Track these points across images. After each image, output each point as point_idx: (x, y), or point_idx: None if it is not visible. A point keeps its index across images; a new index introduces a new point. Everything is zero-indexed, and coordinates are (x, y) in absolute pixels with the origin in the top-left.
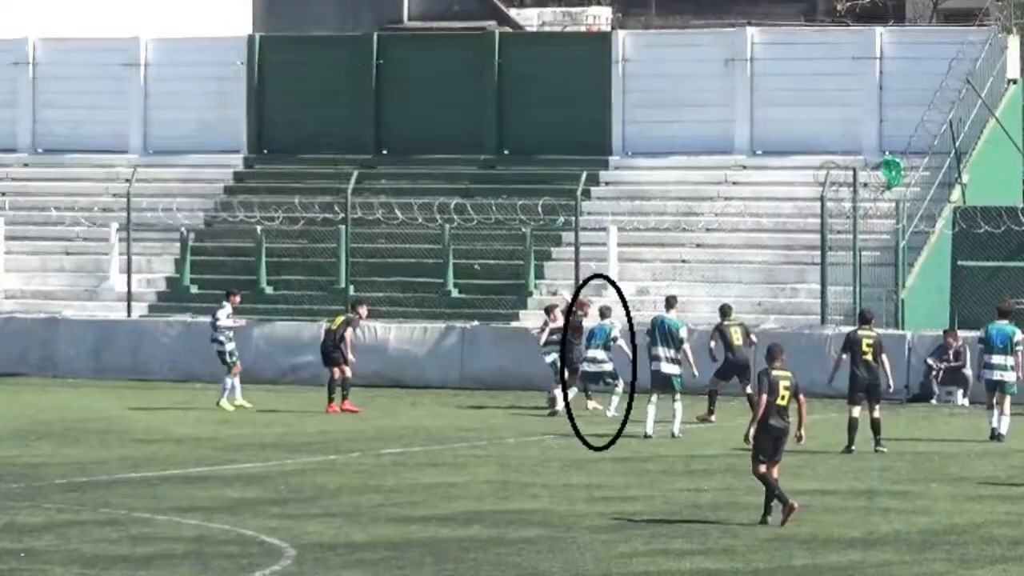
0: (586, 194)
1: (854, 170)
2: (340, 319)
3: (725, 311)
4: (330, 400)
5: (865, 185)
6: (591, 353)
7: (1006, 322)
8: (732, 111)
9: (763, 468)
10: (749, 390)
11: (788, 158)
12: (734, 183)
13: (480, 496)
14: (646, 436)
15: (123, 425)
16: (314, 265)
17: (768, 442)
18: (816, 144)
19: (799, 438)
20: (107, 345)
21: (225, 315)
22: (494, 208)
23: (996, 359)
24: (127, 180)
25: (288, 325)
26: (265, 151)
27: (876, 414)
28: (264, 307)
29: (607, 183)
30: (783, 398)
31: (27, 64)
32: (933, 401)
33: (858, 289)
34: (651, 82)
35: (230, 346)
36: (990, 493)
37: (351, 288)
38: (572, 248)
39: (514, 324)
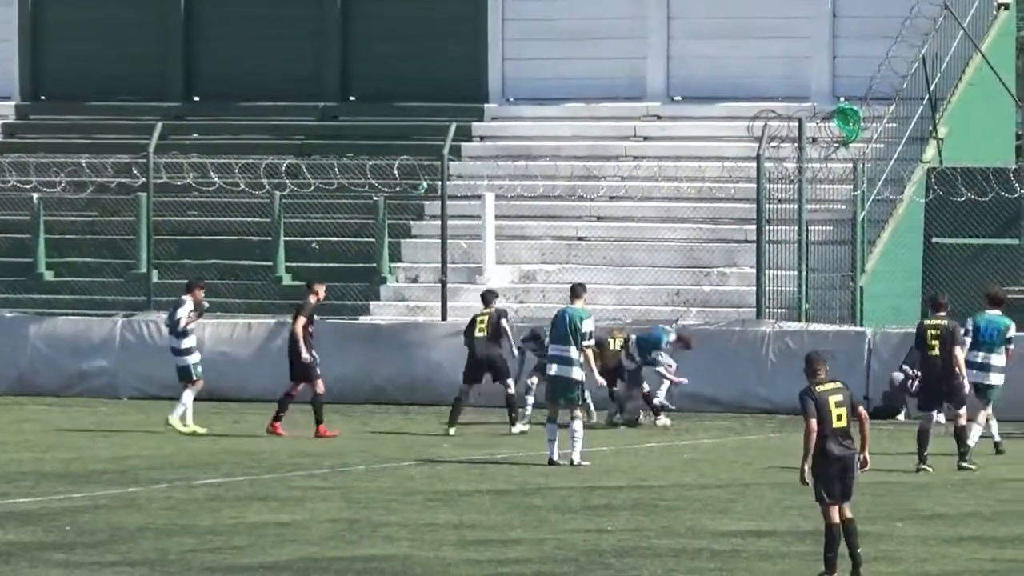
0: (455, 152)
1: (799, 121)
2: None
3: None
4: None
5: (814, 141)
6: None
7: (998, 312)
8: (644, 46)
9: (836, 515)
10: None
11: (714, 106)
12: (645, 138)
13: (321, 539)
14: (551, 462)
15: None
16: (107, 244)
17: (834, 477)
18: (751, 88)
19: (863, 463)
20: None
21: (187, 313)
22: (337, 170)
23: (981, 357)
24: None
25: (74, 321)
26: (43, 97)
27: (962, 422)
28: (43, 297)
29: (482, 138)
30: (840, 418)
31: None
32: (900, 417)
33: (804, 274)
34: (540, 7)
35: (196, 356)
36: (971, 534)
37: (154, 274)
38: (438, 222)
39: (364, 319)
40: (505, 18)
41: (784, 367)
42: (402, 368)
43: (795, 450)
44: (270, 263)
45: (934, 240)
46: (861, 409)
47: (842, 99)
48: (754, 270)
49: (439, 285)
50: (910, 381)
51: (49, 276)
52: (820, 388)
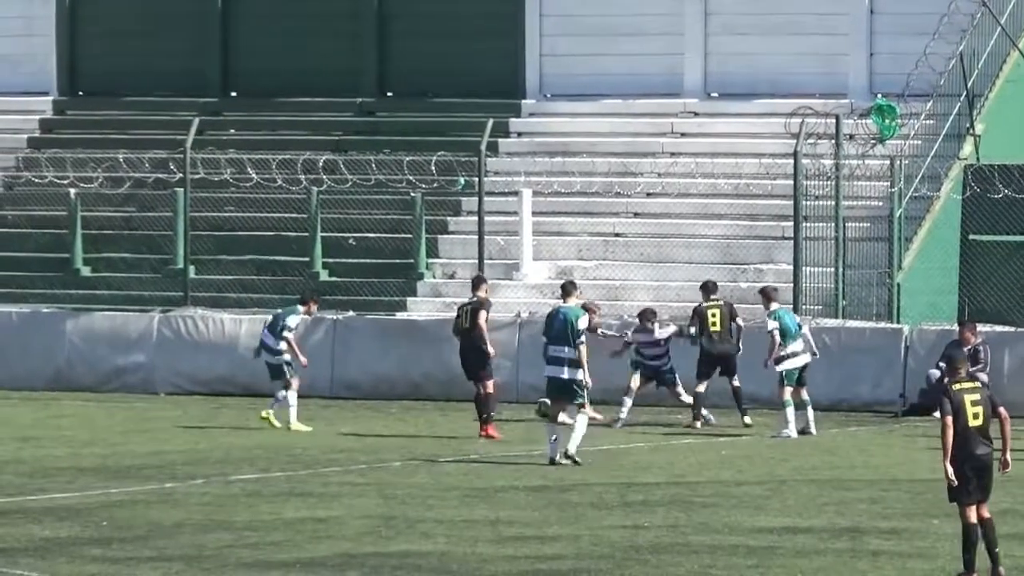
0: (492, 148)
1: (837, 117)
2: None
3: (709, 288)
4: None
5: (851, 137)
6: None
7: None
8: (681, 42)
9: (973, 515)
10: (736, 383)
11: (751, 102)
12: (683, 135)
13: (357, 535)
14: (552, 462)
15: None
16: (144, 239)
17: (971, 476)
18: (788, 85)
19: (1004, 465)
20: None
21: (295, 323)
22: (374, 166)
23: None
24: None
25: (111, 316)
26: (81, 93)
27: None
28: (80, 293)
29: (519, 134)
30: (976, 416)
31: None
32: (936, 415)
33: (841, 271)
34: (577, 4)
35: (288, 356)
36: (1007, 531)
37: (191, 269)
38: (475, 218)
39: (400, 315)
40: (543, 14)
41: (821, 364)
42: (439, 364)
43: (831, 445)
44: (307, 259)
45: (971, 237)
46: (1002, 410)
47: (879, 96)
48: (791, 267)
49: None
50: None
51: (86, 272)
52: (957, 387)
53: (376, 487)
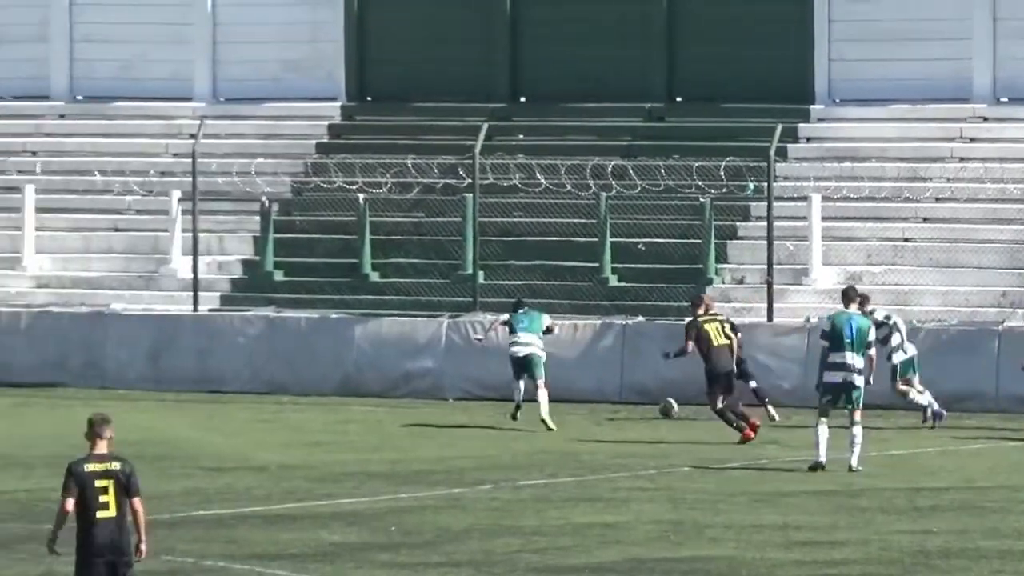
0: (781, 153)
1: None
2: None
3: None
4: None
5: None
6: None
7: None
8: (969, 47)
9: None
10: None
11: None
12: (972, 139)
13: (646, 540)
14: (817, 466)
15: (189, 449)
16: (432, 244)
17: None
18: None
19: None
20: (168, 347)
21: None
22: (663, 171)
23: None
24: (191, 136)
25: (400, 322)
26: (369, 98)
27: None
28: (369, 298)
29: (808, 139)
30: None
31: None
32: None
33: None
34: (865, 9)
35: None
36: None
37: (480, 275)
38: (764, 223)
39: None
40: (831, 19)
41: None
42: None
43: None
44: (596, 264)
45: None
46: None
47: None
48: None
49: (765, 286)
50: None
51: (375, 277)
52: None
53: (665, 492)
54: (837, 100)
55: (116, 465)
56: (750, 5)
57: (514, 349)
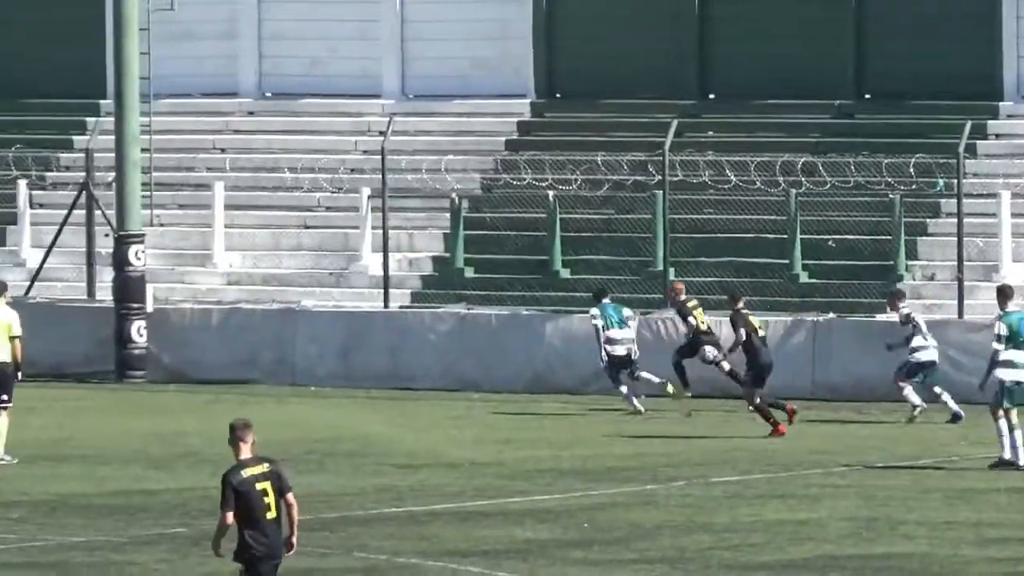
0: (970, 150)
1: None
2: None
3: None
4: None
5: None
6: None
7: None
8: None
9: None
10: None
11: None
12: None
13: (838, 537)
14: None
15: (380, 446)
16: (622, 241)
17: None
18: None
19: None
20: (358, 344)
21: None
22: (853, 168)
23: None
24: (381, 133)
25: (590, 319)
26: (559, 95)
27: None
28: (558, 295)
29: (997, 136)
30: None
31: None
32: None
33: None
34: None
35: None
36: None
37: (671, 272)
38: (954, 220)
39: (880, 317)
40: (1019, 15)
41: None
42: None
43: None
44: (786, 260)
45: None
46: None
47: None
48: None
49: (955, 283)
50: None
51: (565, 274)
52: None
53: (857, 489)
54: None
55: (268, 466)
56: (938, 1)
57: (612, 348)
